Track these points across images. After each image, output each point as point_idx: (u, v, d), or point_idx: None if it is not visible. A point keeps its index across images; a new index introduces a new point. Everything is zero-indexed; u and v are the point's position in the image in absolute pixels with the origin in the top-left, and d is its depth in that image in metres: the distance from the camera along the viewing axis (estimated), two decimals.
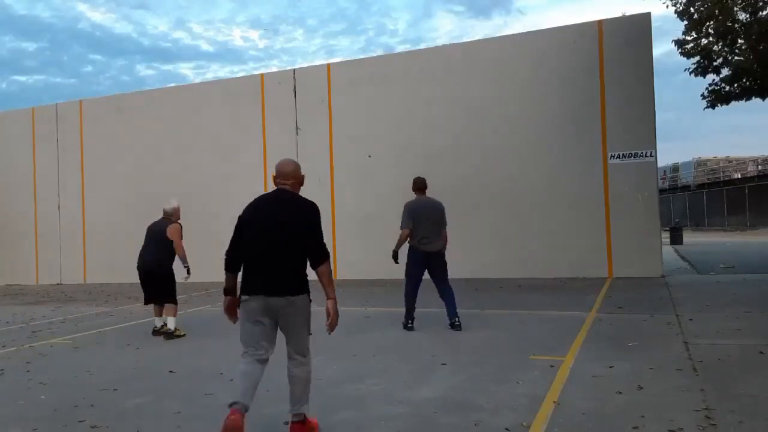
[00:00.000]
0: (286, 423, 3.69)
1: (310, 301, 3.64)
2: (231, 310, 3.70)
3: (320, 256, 3.61)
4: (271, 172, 3.87)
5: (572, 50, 12.46)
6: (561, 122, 12.41)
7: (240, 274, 3.68)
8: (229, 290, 3.71)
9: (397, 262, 7.17)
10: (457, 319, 6.87)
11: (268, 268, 3.53)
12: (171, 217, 7.51)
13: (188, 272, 7.48)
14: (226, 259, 3.70)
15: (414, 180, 7.33)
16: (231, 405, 3.39)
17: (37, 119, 17.30)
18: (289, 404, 3.62)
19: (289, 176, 3.76)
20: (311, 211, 3.69)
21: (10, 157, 17.54)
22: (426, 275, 7.08)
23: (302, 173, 3.86)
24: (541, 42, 12.79)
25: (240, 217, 3.70)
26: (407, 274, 7.13)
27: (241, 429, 3.32)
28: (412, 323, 7.09)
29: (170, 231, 7.35)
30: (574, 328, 6.61)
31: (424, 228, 6.97)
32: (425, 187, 7.28)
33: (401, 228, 7.05)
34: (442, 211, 7.13)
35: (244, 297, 3.54)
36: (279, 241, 3.54)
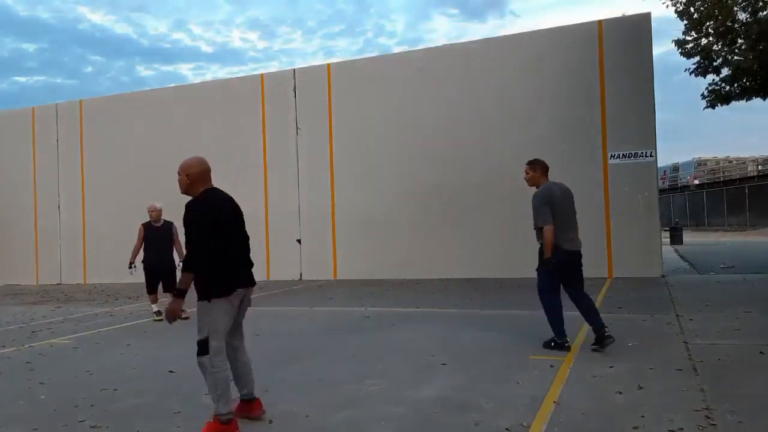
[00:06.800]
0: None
1: None
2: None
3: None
4: (179, 170, 4.09)
5: (572, 50, 12.46)
6: (561, 122, 12.41)
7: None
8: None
9: (551, 267, 5.46)
10: (606, 329, 5.43)
11: (246, 262, 3.97)
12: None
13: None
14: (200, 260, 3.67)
15: (539, 161, 5.88)
16: (229, 419, 3.64)
17: (37, 119, 17.30)
18: (246, 388, 3.95)
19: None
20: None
21: (10, 157, 17.54)
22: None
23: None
24: (540, 42, 12.80)
25: (208, 217, 3.72)
26: (547, 283, 5.60)
27: None
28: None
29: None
30: (574, 328, 6.60)
31: (564, 221, 5.51)
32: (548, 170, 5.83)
33: (543, 224, 5.44)
34: (573, 198, 5.78)
35: (238, 291, 3.75)
36: (245, 236, 4.02)
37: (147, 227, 8.76)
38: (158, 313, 8.56)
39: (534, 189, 5.80)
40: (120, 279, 14.60)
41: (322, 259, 14.03)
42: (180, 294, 3.62)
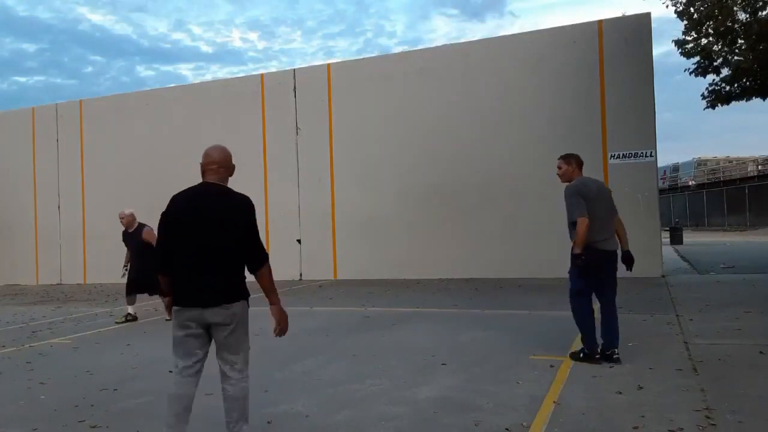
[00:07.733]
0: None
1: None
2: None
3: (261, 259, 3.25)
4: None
5: (572, 50, 12.46)
6: (561, 122, 12.41)
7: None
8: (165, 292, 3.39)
9: (582, 264, 4.94)
10: (615, 351, 5.02)
11: (199, 276, 3.14)
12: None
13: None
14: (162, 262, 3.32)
15: (574, 155, 5.53)
16: None
17: (37, 119, 17.30)
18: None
19: (220, 164, 3.27)
20: (248, 207, 3.25)
21: (10, 157, 17.54)
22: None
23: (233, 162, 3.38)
24: (540, 42, 12.80)
25: (162, 216, 3.27)
26: (579, 285, 5.10)
27: None
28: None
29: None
30: (574, 328, 6.58)
31: (599, 220, 4.98)
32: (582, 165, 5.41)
33: (577, 217, 4.89)
34: (610, 194, 5.35)
35: (176, 308, 3.21)
36: (214, 242, 3.13)
37: (123, 235, 8.79)
38: (126, 315, 8.62)
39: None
40: (120, 279, 14.60)
41: (322, 259, 14.03)
42: (160, 294, 3.49)
